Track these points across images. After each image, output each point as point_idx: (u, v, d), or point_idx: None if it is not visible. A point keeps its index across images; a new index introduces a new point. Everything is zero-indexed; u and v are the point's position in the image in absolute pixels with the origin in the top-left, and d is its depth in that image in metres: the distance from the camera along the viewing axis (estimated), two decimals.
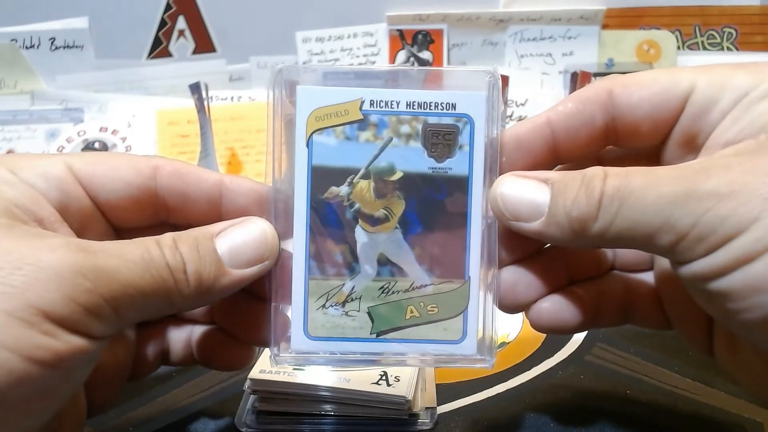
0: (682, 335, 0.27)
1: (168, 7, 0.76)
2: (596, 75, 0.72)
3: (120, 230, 0.27)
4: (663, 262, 0.27)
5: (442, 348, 0.26)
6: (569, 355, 0.36)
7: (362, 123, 0.25)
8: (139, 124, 0.73)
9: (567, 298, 0.26)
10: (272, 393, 0.31)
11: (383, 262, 0.26)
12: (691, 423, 0.30)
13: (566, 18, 0.73)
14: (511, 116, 0.71)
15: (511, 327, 0.39)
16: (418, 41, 0.76)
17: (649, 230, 0.21)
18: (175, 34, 0.77)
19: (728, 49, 0.74)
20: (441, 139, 0.25)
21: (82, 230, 0.25)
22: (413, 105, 0.25)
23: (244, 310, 0.27)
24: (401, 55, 0.76)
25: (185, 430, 0.31)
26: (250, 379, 0.31)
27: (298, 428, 0.30)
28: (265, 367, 0.31)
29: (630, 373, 0.34)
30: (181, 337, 0.29)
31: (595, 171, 0.23)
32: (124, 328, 0.27)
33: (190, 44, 0.77)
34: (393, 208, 0.26)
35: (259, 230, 0.25)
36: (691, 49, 0.75)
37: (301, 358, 0.26)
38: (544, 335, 0.38)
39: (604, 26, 0.74)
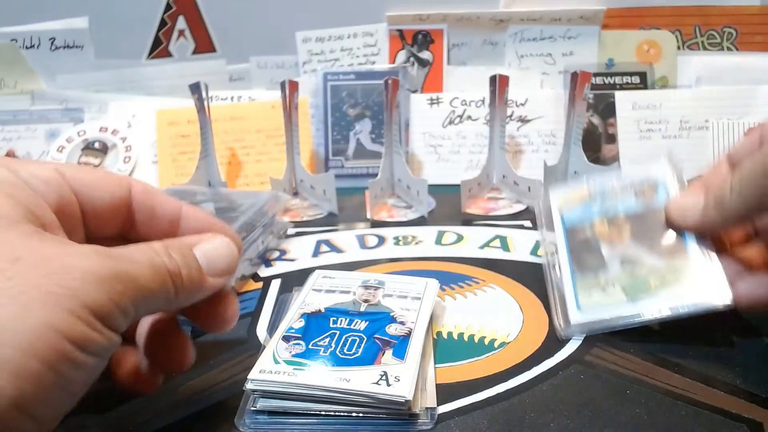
0: None
1: (168, 7, 0.76)
2: (596, 75, 0.73)
3: (90, 239, 0.29)
4: None
5: (685, 301, 0.35)
6: (569, 355, 0.36)
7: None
8: (139, 124, 0.73)
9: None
10: (272, 393, 0.31)
11: (623, 261, 0.39)
12: (691, 423, 0.30)
13: (566, 18, 0.74)
14: (511, 116, 0.71)
15: (511, 327, 0.39)
16: (418, 41, 0.76)
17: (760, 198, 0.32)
18: (175, 34, 0.77)
19: (728, 49, 0.74)
20: (644, 188, 0.42)
21: (68, 235, 0.26)
22: (622, 178, 0.44)
23: (171, 336, 0.31)
24: (401, 55, 0.76)
25: (185, 430, 0.31)
26: (250, 379, 0.31)
27: (297, 428, 0.30)
28: (265, 367, 0.31)
29: (630, 373, 0.34)
30: None
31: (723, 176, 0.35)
32: None
33: (190, 44, 0.77)
34: (622, 231, 0.40)
35: (227, 246, 0.30)
36: (691, 49, 0.75)
37: (580, 327, 0.37)
38: (545, 335, 0.38)
39: (604, 26, 0.74)
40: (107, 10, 0.75)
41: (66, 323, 0.22)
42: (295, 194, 0.64)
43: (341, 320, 0.36)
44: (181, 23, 0.76)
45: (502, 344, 0.38)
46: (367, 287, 0.40)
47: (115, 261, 0.24)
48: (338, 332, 0.35)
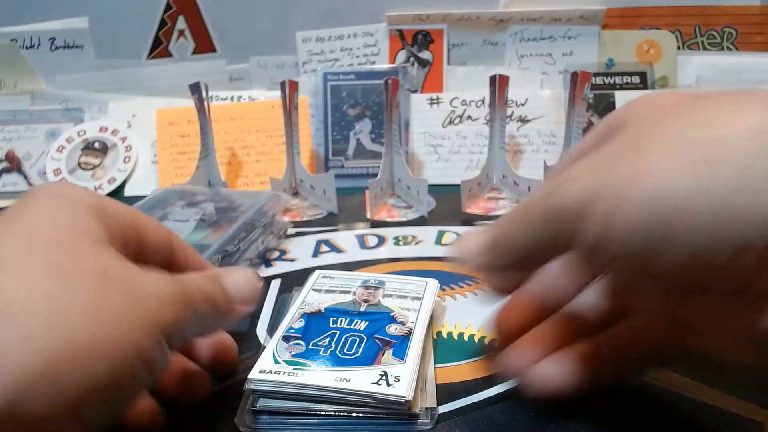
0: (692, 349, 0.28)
1: (168, 7, 0.76)
2: (596, 75, 0.73)
3: None
4: None
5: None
6: None
7: None
8: (139, 124, 0.73)
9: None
10: (272, 393, 0.31)
11: None
12: (691, 423, 0.30)
13: (566, 18, 0.74)
14: (511, 116, 0.71)
15: None
16: (418, 41, 0.76)
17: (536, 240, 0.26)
18: (175, 34, 0.77)
19: (728, 49, 0.74)
20: None
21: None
22: None
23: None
24: (401, 55, 0.76)
25: (185, 430, 0.31)
26: (251, 380, 0.31)
27: (297, 428, 0.30)
28: (265, 366, 0.31)
29: None
30: None
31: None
32: None
33: (190, 44, 0.77)
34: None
35: (251, 277, 0.30)
36: (691, 49, 0.75)
37: None
38: None
39: (604, 26, 0.74)
40: (107, 10, 0.75)
41: (145, 342, 0.23)
42: (295, 194, 0.64)
43: (341, 320, 0.36)
44: (181, 23, 0.76)
45: None
46: (367, 287, 0.40)
47: (183, 287, 0.26)
48: (338, 332, 0.35)
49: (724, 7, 0.73)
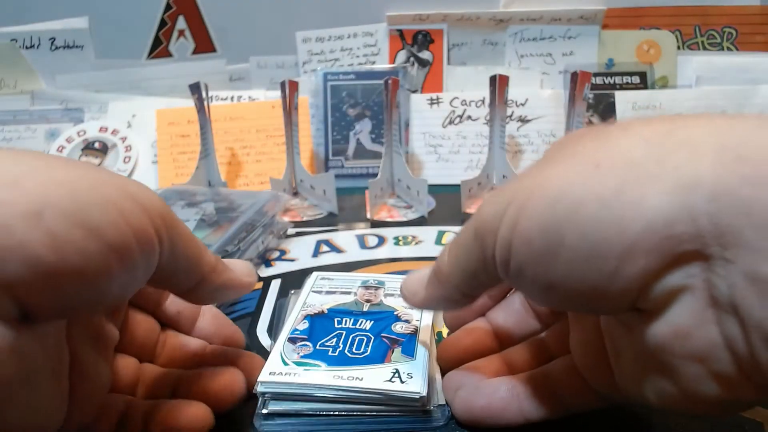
0: (610, 392, 0.27)
1: (168, 7, 0.76)
2: (596, 75, 0.73)
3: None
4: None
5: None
6: None
7: None
8: (139, 124, 0.73)
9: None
10: (282, 395, 0.30)
11: None
12: (691, 423, 0.30)
13: (566, 18, 0.74)
14: (511, 116, 0.71)
15: None
16: (418, 41, 0.76)
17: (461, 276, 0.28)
18: (175, 34, 0.77)
19: (728, 49, 0.74)
20: None
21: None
22: None
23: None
24: (401, 55, 0.76)
25: None
26: (260, 382, 0.30)
27: (308, 428, 0.30)
28: (274, 368, 0.31)
29: None
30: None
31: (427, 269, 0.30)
32: None
33: (190, 44, 0.77)
34: None
35: (246, 263, 0.30)
36: (691, 49, 0.75)
37: None
38: None
39: (604, 26, 0.74)
40: (107, 10, 0.75)
41: (129, 206, 0.22)
42: (295, 194, 0.64)
43: (345, 320, 0.36)
44: (181, 23, 0.76)
45: None
46: (367, 287, 0.40)
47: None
48: (344, 332, 0.34)
49: (724, 7, 0.73)
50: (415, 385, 0.30)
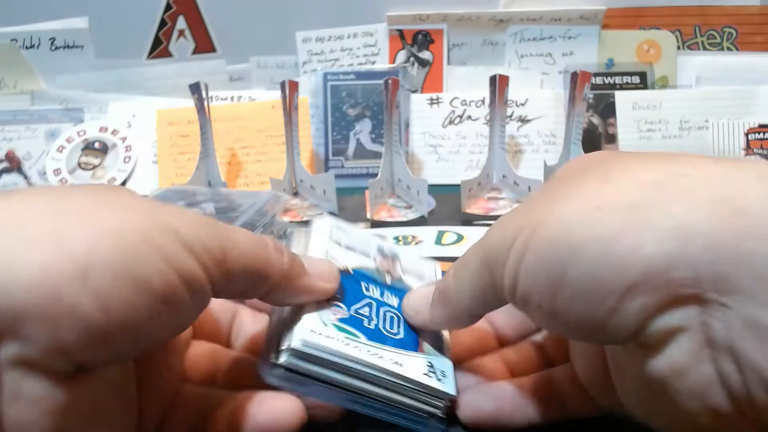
0: (610, 404, 0.27)
1: (168, 7, 0.76)
2: (596, 75, 0.73)
3: None
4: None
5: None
6: None
7: None
8: (139, 124, 0.73)
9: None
10: (320, 360, 0.26)
11: None
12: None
13: (566, 18, 0.74)
14: (511, 116, 0.71)
15: None
16: (418, 41, 0.76)
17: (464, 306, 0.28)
18: (175, 34, 0.77)
19: (728, 49, 0.74)
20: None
21: None
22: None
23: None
24: (401, 55, 0.76)
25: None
26: (301, 339, 0.26)
27: (325, 398, 0.27)
28: (315, 327, 0.27)
29: None
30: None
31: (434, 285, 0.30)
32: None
33: (190, 44, 0.77)
34: None
35: (328, 262, 0.30)
36: (691, 49, 0.75)
37: None
38: None
39: (604, 26, 0.74)
40: (107, 10, 0.75)
41: (161, 239, 0.21)
42: (295, 194, 0.64)
43: (372, 288, 0.32)
44: (181, 23, 0.76)
45: None
46: (384, 255, 0.35)
47: (220, 227, 0.24)
48: (374, 303, 0.30)
49: (724, 7, 0.73)
50: (449, 386, 0.28)
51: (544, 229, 0.22)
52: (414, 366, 0.28)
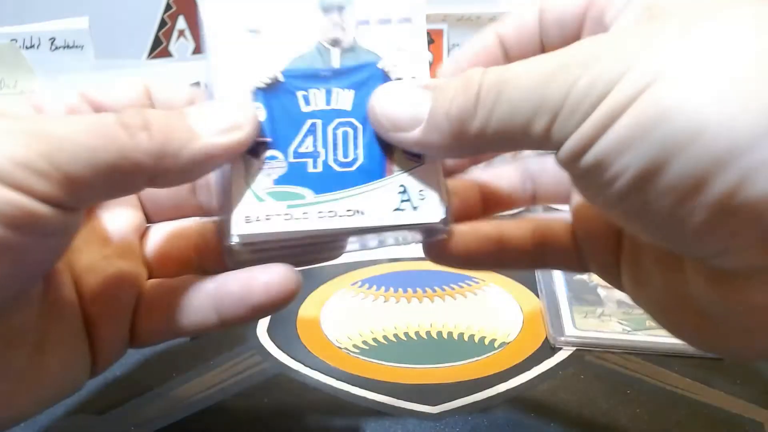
0: (595, 269, 0.25)
1: (168, 7, 0.76)
2: None
3: None
4: (577, 193, 0.26)
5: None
6: (569, 355, 0.36)
7: None
8: None
9: (469, 230, 0.25)
10: (265, 248, 0.23)
11: (619, 302, 0.33)
12: (691, 423, 0.30)
13: None
14: None
15: (510, 327, 0.39)
16: None
17: (526, 116, 0.18)
18: (175, 34, 0.77)
19: None
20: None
21: None
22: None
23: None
24: None
25: (187, 430, 0.31)
26: (237, 235, 0.22)
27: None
28: (250, 212, 0.22)
29: (630, 373, 0.34)
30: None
31: (475, 69, 0.20)
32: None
33: (190, 44, 0.78)
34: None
35: (228, 102, 0.22)
36: None
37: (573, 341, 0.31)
38: (544, 336, 0.38)
39: None
40: (107, 10, 0.75)
41: None
42: None
43: (315, 94, 0.23)
44: (181, 23, 0.77)
45: (502, 344, 0.38)
46: (328, 10, 0.23)
47: (36, 122, 0.19)
48: (320, 122, 0.23)
49: None
50: (430, 210, 0.23)
51: (656, 93, 0.16)
52: (378, 204, 0.23)
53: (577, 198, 0.26)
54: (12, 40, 0.75)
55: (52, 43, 0.76)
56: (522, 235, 0.26)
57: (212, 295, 0.23)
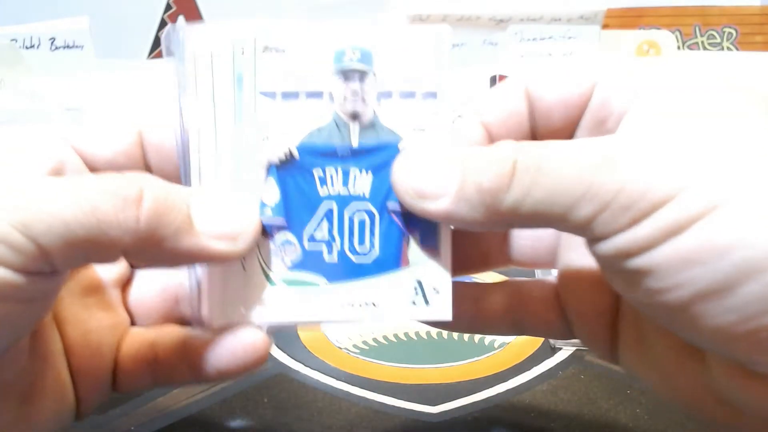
0: (583, 338, 0.25)
1: (168, 7, 0.76)
2: None
3: None
4: (567, 255, 0.24)
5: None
6: (569, 355, 0.36)
7: None
8: None
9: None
10: (277, 329, 0.23)
11: None
12: (691, 423, 0.30)
13: (566, 18, 0.73)
14: None
15: None
16: None
17: (570, 199, 0.18)
18: None
19: (728, 49, 0.74)
20: None
21: None
22: None
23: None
24: None
25: (188, 430, 0.31)
26: (248, 322, 0.22)
27: None
28: (265, 297, 0.22)
29: None
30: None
31: (508, 141, 0.20)
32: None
33: None
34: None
35: (233, 209, 0.21)
36: (691, 49, 0.75)
37: None
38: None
39: (604, 26, 0.74)
40: (107, 10, 0.75)
41: None
42: None
43: (331, 175, 0.22)
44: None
45: (502, 344, 0.38)
46: (347, 77, 0.22)
47: (26, 195, 0.18)
48: (335, 203, 0.22)
49: (724, 8, 0.73)
50: (441, 307, 0.22)
51: (725, 217, 0.17)
52: (393, 297, 0.22)
53: (566, 261, 0.25)
54: (12, 40, 0.75)
55: (52, 43, 0.76)
56: (497, 300, 0.25)
57: (185, 353, 0.23)
